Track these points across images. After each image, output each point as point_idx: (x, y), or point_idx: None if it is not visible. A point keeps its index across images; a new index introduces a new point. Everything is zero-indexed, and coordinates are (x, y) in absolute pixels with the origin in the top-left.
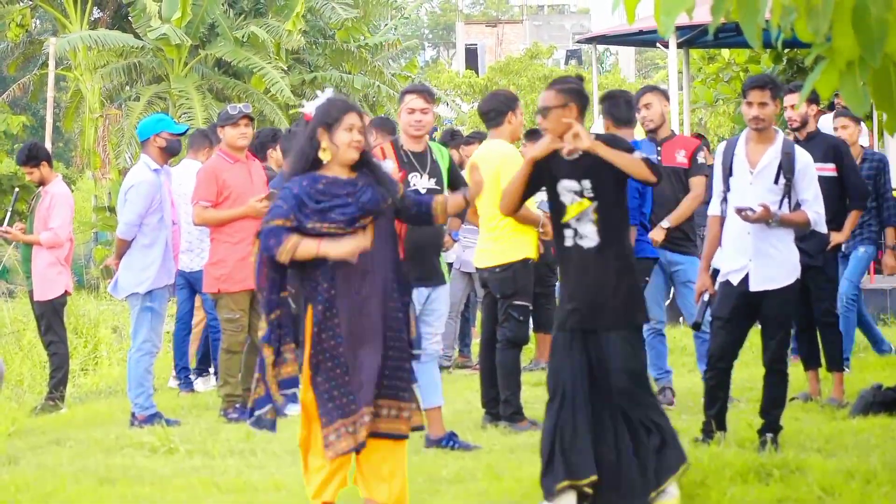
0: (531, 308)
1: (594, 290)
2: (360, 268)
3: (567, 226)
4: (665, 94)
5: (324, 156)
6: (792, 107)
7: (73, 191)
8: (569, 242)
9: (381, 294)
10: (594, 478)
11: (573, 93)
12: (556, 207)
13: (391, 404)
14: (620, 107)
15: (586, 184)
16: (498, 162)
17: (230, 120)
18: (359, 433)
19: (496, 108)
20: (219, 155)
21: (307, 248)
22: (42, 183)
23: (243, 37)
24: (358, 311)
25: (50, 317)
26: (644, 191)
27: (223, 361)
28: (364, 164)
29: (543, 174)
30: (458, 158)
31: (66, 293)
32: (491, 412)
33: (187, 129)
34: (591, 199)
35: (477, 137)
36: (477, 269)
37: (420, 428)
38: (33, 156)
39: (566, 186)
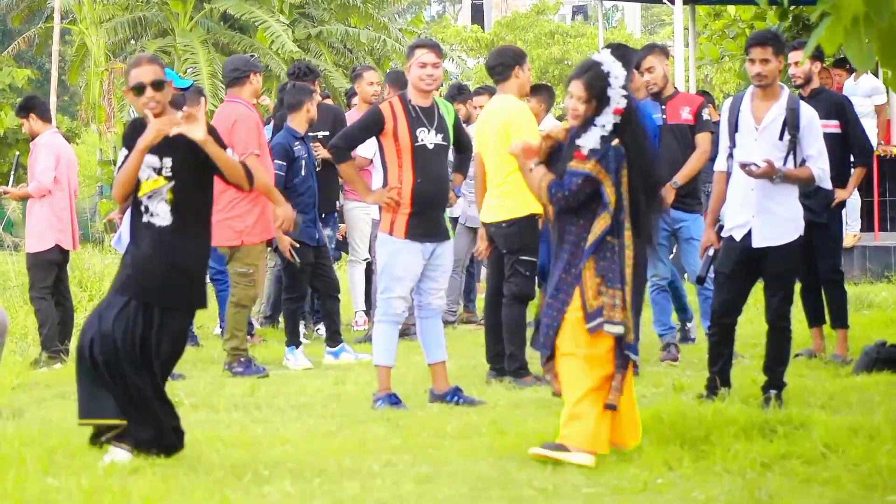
0: (537, 263)
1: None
2: None
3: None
4: (665, 53)
5: None
6: (796, 63)
7: (76, 144)
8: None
9: None
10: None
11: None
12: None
13: None
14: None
15: (167, 161)
16: (507, 117)
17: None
18: None
19: (504, 63)
20: (245, 104)
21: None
22: (33, 136)
23: None
24: None
25: (35, 272)
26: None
27: (232, 315)
28: None
29: None
30: (466, 112)
31: (58, 248)
32: (496, 367)
33: (192, 84)
34: (168, 177)
35: (486, 90)
36: (483, 223)
37: None
38: (23, 106)
39: (146, 161)
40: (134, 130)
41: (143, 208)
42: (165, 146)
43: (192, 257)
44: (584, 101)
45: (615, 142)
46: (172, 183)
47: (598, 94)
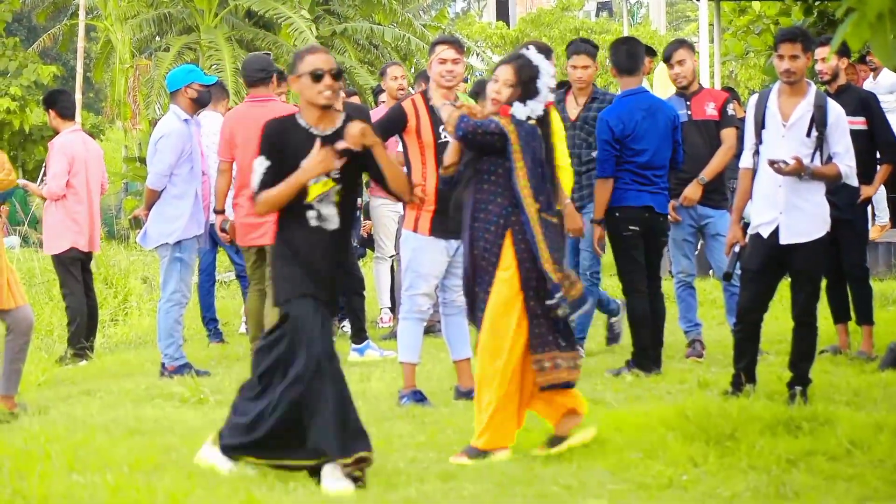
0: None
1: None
2: None
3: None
4: (692, 48)
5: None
6: (822, 60)
7: (101, 141)
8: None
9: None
10: None
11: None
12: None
13: None
14: (620, 55)
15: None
16: None
17: None
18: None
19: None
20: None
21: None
22: (56, 132)
23: None
24: None
25: (60, 271)
26: (677, 141)
27: (272, 312)
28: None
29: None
30: None
31: (74, 249)
32: None
33: (217, 81)
34: (336, 179)
35: None
36: None
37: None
38: (45, 99)
39: None
40: (274, 133)
41: (310, 213)
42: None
43: (346, 257)
44: (511, 85)
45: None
46: (339, 185)
47: (525, 81)
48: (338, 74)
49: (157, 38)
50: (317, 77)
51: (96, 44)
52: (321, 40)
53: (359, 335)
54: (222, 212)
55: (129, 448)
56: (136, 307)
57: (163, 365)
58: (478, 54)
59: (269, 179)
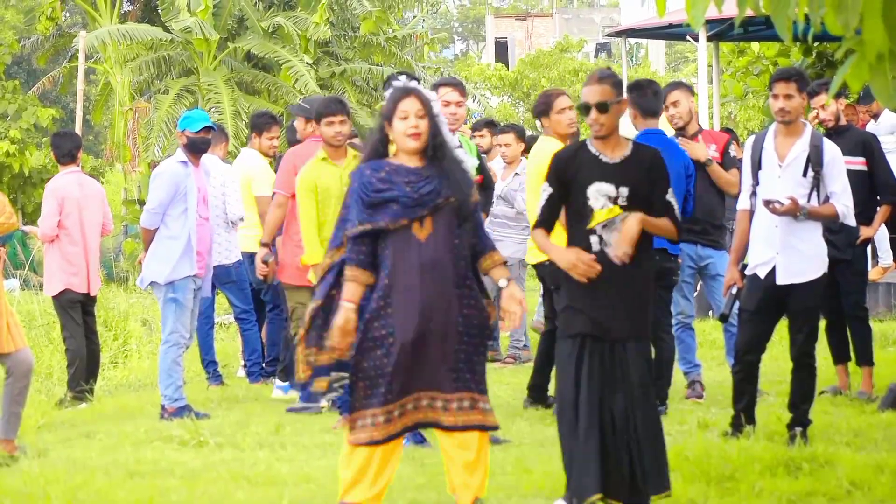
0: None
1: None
2: (418, 262)
3: (593, 232)
4: (690, 90)
5: (391, 149)
6: (822, 107)
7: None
8: (595, 248)
9: (443, 287)
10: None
11: (621, 86)
12: (580, 210)
13: (464, 396)
14: (648, 97)
15: (623, 191)
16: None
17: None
18: (392, 424)
19: (546, 103)
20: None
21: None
22: None
23: (269, 28)
24: (415, 303)
25: (60, 313)
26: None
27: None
28: (435, 153)
29: (568, 182)
30: (490, 143)
31: (70, 291)
32: (533, 396)
33: (211, 126)
34: (623, 207)
35: (512, 129)
36: (532, 265)
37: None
38: (50, 142)
39: (600, 190)
40: (562, 161)
41: (594, 239)
42: (620, 175)
43: (641, 285)
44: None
45: None
46: (626, 214)
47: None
48: (602, 106)
49: (157, 81)
50: (585, 109)
51: (96, 86)
52: (320, 82)
53: (287, 372)
54: (268, 245)
55: (128, 490)
56: (136, 350)
57: (163, 407)
58: (475, 97)
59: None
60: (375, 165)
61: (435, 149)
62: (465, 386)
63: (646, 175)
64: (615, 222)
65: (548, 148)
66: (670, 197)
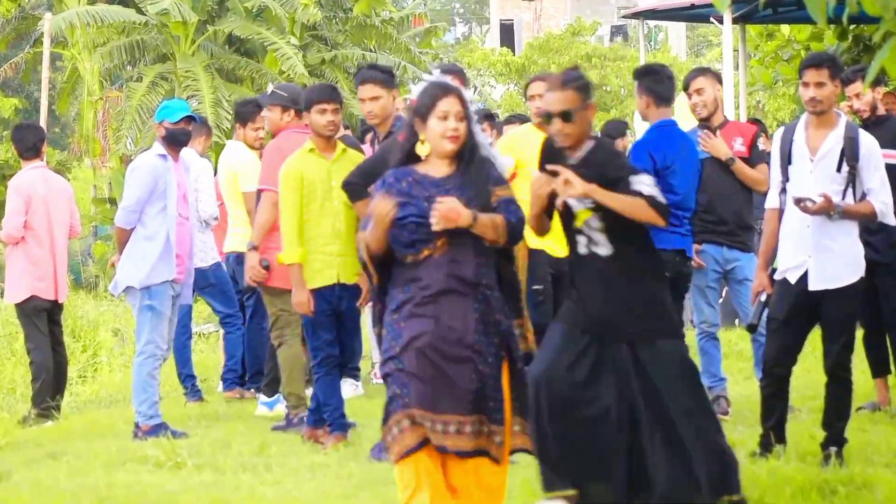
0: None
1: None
2: (438, 280)
3: (580, 231)
4: (717, 77)
5: (421, 150)
6: (857, 96)
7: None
8: (582, 249)
9: (461, 304)
10: None
11: (588, 89)
12: (566, 211)
13: (479, 419)
14: (664, 83)
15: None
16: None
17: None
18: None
19: (526, 87)
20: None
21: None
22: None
23: (253, 8)
24: (434, 324)
25: (24, 322)
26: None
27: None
28: (469, 156)
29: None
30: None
31: (36, 298)
32: None
33: (193, 117)
34: (591, 208)
35: (518, 119)
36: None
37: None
38: (10, 135)
39: None
40: (545, 161)
41: (581, 239)
42: (581, 175)
43: (639, 284)
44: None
45: None
46: (601, 212)
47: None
48: (566, 115)
49: (129, 68)
50: (546, 118)
51: (62, 74)
52: (309, 68)
53: (272, 386)
54: (257, 248)
55: None
56: (107, 362)
57: (136, 425)
58: (476, 87)
59: None
60: (400, 174)
61: (469, 152)
62: (479, 409)
63: (601, 175)
64: (589, 223)
65: (514, 135)
66: (640, 186)
